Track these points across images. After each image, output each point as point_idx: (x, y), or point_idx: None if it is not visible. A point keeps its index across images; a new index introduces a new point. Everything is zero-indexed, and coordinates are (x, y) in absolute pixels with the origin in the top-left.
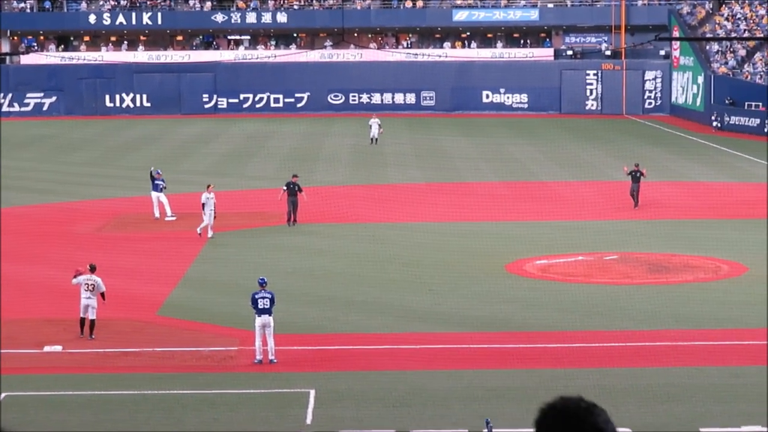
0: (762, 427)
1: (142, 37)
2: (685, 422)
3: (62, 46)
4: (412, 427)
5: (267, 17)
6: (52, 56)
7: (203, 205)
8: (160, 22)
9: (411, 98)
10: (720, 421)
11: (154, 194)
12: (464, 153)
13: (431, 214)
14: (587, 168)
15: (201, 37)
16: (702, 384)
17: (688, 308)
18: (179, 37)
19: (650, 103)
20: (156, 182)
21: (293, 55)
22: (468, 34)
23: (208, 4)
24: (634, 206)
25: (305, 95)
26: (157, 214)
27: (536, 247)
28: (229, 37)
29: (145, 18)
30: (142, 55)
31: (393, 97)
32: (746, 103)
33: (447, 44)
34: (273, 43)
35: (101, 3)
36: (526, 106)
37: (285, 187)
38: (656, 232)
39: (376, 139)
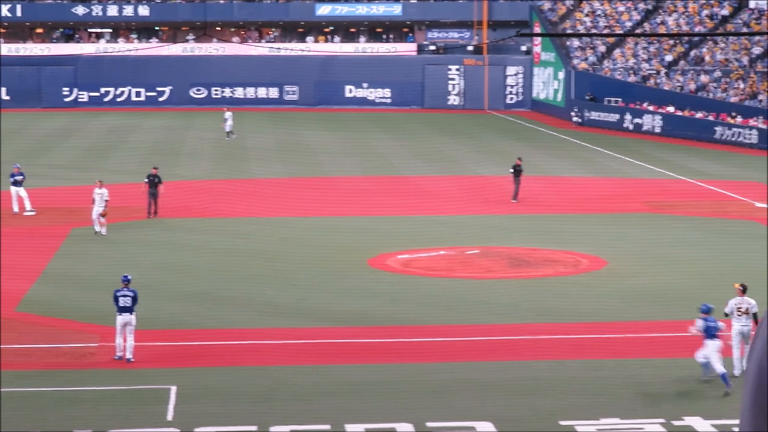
0: (619, 419)
1: (1, 30)
2: (546, 415)
3: None
4: (275, 422)
5: (129, 10)
6: None
7: (93, 200)
8: (19, 14)
9: (274, 92)
10: (580, 413)
11: (13, 189)
12: (327, 147)
13: (294, 209)
14: (450, 163)
15: (61, 29)
16: (562, 377)
17: (549, 302)
18: (39, 30)
19: (512, 99)
20: (14, 177)
21: (155, 48)
22: (331, 28)
23: None
24: (512, 199)
25: (167, 89)
26: (15, 209)
27: (399, 241)
28: (90, 30)
29: (4, 10)
30: (1, 48)
31: (256, 92)
32: (606, 99)
33: (310, 39)
34: (135, 36)
35: None
36: (389, 100)
37: (146, 180)
38: (517, 226)
39: (230, 133)
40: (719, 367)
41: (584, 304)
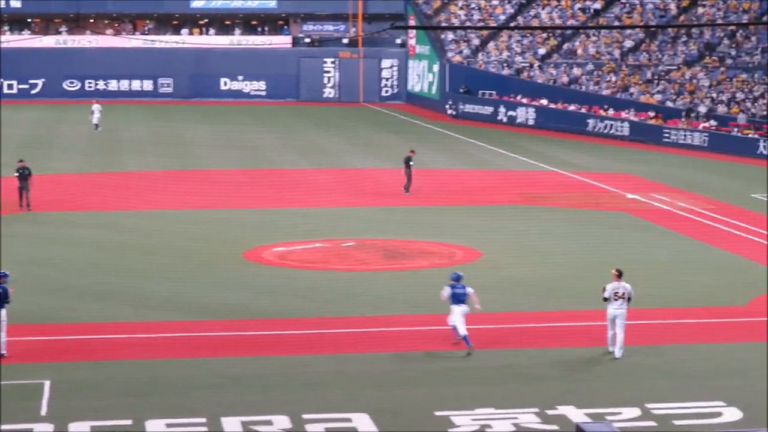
0: (495, 409)
1: None
2: (421, 405)
3: None
4: (150, 416)
5: (0, 2)
6: None
7: None
8: None
9: (148, 85)
10: (455, 404)
11: None
12: (203, 140)
13: (169, 202)
14: (325, 155)
15: None
16: (437, 367)
17: (424, 293)
18: None
19: (387, 91)
20: None
21: (27, 40)
22: (206, 21)
23: None
24: (405, 191)
25: (40, 81)
26: None
27: (274, 234)
28: None
29: None
30: None
31: (130, 84)
32: (480, 92)
33: (185, 31)
34: (6, 28)
35: None
36: (264, 93)
37: (16, 173)
38: (393, 218)
39: (97, 126)
40: (462, 330)
41: None
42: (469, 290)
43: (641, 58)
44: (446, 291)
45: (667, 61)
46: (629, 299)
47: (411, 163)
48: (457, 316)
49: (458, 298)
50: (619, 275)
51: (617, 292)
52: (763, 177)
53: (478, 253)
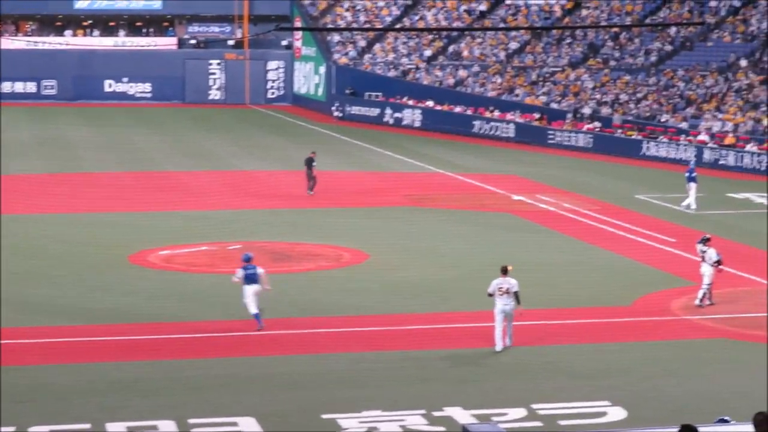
0: (382, 411)
1: None
2: (308, 409)
3: None
4: (33, 423)
5: None
6: None
7: None
8: None
9: (31, 87)
10: (342, 407)
11: None
12: (87, 143)
13: (52, 205)
14: (211, 158)
15: None
16: (324, 371)
17: (311, 296)
18: None
19: (273, 93)
20: None
21: None
22: (90, 22)
23: None
24: (308, 191)
25: None
26: None
27: (160, 237)
28: None
29: None
30: None
31: (12, 86)
32: (366, 94)
33: (68, 32)
34: None
35: None
36: (149, 95)
37: None
38: (279, 221)
39: None
40: (253, 309)
41: (346, 297)
42: (260, 270)
43: (526, 60)
44: (239, 273)
45: (552, 63)
46: (516, 295)
47: (314, 164)
48: (249, 296)
49: (250, 279)
50: (504, 272)
51: (501, 288)
52: (647, 177)
53: (365, 255)
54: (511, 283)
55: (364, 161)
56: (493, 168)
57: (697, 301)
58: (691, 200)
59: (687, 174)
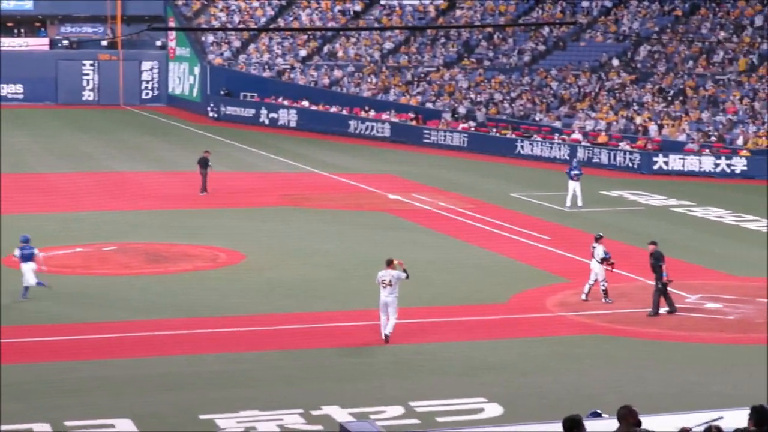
0: (259, 411)
1: None
2: (185, 410)
3: None
4: None
5: None
6: None
7: None
8: None
9: None
10: (219, 407)
11: None
12: None
13: None
14: (85, 159)
15: None
16: (201, 371)
17: (187, 297)
18: None
19: (147, 94)
20: None
21: None
22: None
23: None
24: (201, 191)
25: None
26: None
27: (34, 239)
28: None
29: None
30: None
31: None
32: (242, 94)
33: None
34: None
35: None
36: (21, 96)
37: None
38: (155, 222)
39: None
40: (29, 281)
41: (222, 298)
42: (36, 251)
43: (401, 60)
44: (17, 251)
45: (427, 63)
46: (407, 277)
47: (209, 164)
48: (26, 272)
49: (26, 257)
50: (389, 264)
51: (384, 280)
52: (521, 176)
53: (241, 256)
54: (393, 275)
55: (240, 162)
56: (369, 168)
57: (582, 296)
58: (569, 197)
59: (568, 171)
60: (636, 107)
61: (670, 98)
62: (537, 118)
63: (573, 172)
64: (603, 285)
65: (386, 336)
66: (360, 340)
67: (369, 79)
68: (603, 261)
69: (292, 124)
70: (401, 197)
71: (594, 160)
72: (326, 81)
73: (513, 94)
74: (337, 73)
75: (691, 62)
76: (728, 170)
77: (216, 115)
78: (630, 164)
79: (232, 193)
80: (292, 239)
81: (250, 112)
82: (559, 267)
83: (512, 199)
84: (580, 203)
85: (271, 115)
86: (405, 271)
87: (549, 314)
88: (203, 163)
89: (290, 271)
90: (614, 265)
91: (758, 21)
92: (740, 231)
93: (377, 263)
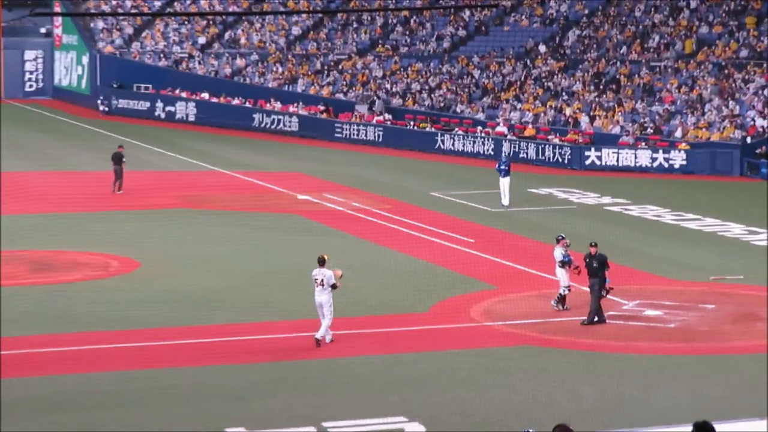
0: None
1: None
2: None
3: None
4: None
5: None
6: None
7: None
8: None
9: None
10: (111, 429)
11: None
12: None
13: None
14: None
15: None
16: (91, 391)
17: (76, 309)
18: None
19: (31, 86)
20: None
21: None
22: None
23: None
24: (116, 190)
25: None
26: None
27: None
28: None
29: None
30: None
31: None
32: (135, 86)
33: None
34: None
35: None
36: None
37: None
38: (40, 227)
39: None
40: None
41: (115, 310)
42: None
43: (310, 47)
44: None
45: (338, 50)
46: (333, 287)
47: (123, 160)
48: None
49: None
50: (321, 262)
51: (316, 279)
52: (442, 173)
53: (135, 263)
54: (325, 274)
55: (134, 160)
56: (276, 165)
57: (552, 302)
58: (502, 194)
59: (498, 167)
60: (565, 97)
61: (602, 87)
62: (458, 110)
63: (501, 167)
64: (563, 290)
65: (317, 340)
66: (268, 354)
67: (274, 69)
68: (562, 264)
69: (191, 118)
70: (311, 197)
71: (521, 155)
72: (228, 71)
73: (432, 84)
74: (240, 62)
75: (624, 48)
76: (666, 165)
77: (107, 109)
78: (560, 159)
79: (126, 194)
80: (191, 244)
81: (144, 105)
82: (484, 272)
83: (432, 199)
84: (506, 202)
85: (168, 108)
86: (336, 281)
87: (474, 324)
88: (117, 159)
89: (189, 279)
90: (579, 269)
91: (694, 3)
92: (680, 231)
93: (285, 270)
